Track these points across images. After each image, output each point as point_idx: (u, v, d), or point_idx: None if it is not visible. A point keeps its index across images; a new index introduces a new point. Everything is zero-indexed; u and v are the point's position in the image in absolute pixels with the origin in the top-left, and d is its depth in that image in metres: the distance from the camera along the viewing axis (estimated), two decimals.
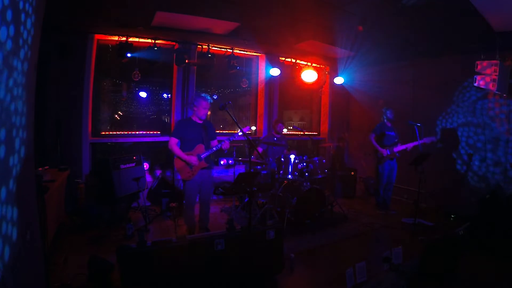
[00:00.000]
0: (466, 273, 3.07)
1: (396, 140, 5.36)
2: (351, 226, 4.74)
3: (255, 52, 6.74)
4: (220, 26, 4.95)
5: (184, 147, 3.78)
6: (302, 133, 7.32)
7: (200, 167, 3.76)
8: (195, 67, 5.95)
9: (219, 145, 3.76)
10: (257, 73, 6.92)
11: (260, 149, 5.32)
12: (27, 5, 1.50)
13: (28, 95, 1.69)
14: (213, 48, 5.95)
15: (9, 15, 1.24)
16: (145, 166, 5.32)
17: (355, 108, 7.68)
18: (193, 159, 3.69)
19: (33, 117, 1.92)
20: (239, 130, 3.66)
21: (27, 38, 1.58)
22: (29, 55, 1.63)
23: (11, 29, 1.28)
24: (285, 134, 6.98)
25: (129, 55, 5.14)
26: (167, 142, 3.85)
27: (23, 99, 1.57)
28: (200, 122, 3.86)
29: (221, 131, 6.53)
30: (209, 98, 3.84)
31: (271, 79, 6.88)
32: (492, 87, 4.14)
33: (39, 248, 2.08)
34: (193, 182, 3.77)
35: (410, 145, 5.16)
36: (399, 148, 5.24)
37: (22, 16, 1.45)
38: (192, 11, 4.38)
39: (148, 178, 5.54)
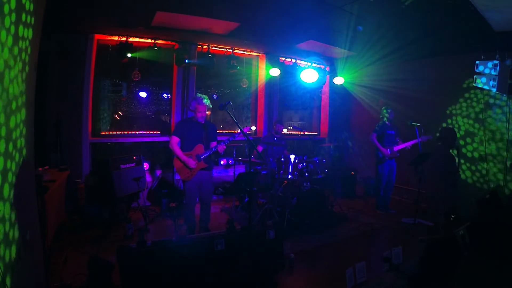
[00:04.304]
0: (465, 273, 3.07)
1: (396, 139, 5.38)
2: (351, 226, 4.74)
3: (255, 52, 6.74)
4: (220, 26, 4.95)
5: (184, 146, 3.78)
6: (302, 133, 7.32)
7: (199, 168, 3.76)
8: (195, 67, 5.95)
9: (217, 146, 3.74)
10: (257, 73, 6.91)
11: (260, 149, 5.33)
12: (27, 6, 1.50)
13: (28, 95, 1.69)
14: (213, 48, 5.95)
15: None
16: (145, 166, 5.31)
17: (355, 108, 7.67)
18: (191, 162, 3.68)
19: (33, 117, 1.92)
20: (239, 130, 3.52)
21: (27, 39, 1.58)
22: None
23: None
24: (284, 134, 6.98)
25: (129, 55, 5.14)
26: (167, 142, 3.84)
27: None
28: (202, 122, 3.86)
29: (221, 131, 6.52)
30: (205, 99, 3.77)
31: (271, 79, 6.88)
32: (492, 87, 4.14)
33: (39, 248, 2.08)
34: (192, 182, 3.77)
35: (408, 144, 5.17)
36: (399, 147, 5.25)
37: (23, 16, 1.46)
38: (192, 11, 4.38)
39: (148, 178, 5.53)
